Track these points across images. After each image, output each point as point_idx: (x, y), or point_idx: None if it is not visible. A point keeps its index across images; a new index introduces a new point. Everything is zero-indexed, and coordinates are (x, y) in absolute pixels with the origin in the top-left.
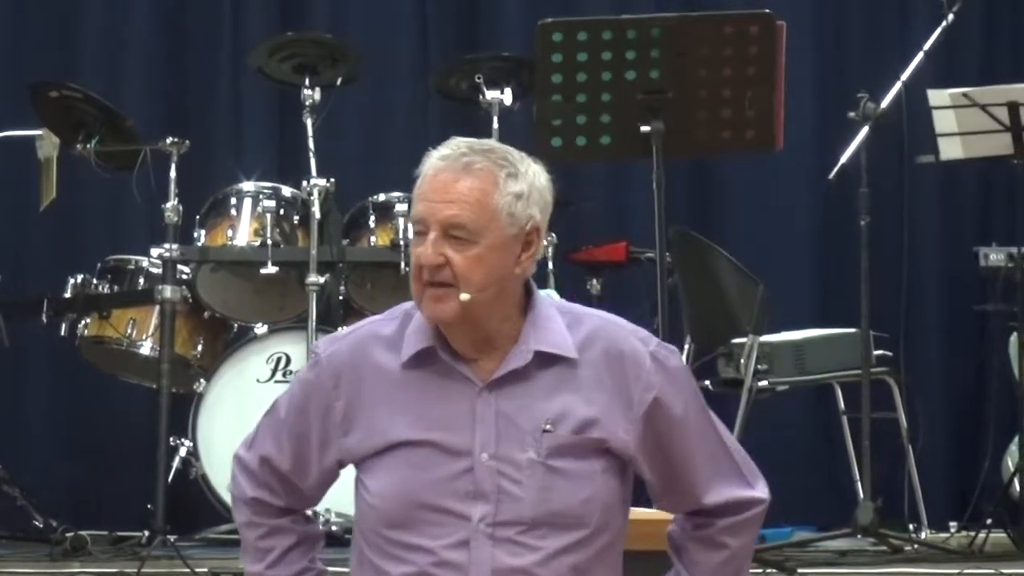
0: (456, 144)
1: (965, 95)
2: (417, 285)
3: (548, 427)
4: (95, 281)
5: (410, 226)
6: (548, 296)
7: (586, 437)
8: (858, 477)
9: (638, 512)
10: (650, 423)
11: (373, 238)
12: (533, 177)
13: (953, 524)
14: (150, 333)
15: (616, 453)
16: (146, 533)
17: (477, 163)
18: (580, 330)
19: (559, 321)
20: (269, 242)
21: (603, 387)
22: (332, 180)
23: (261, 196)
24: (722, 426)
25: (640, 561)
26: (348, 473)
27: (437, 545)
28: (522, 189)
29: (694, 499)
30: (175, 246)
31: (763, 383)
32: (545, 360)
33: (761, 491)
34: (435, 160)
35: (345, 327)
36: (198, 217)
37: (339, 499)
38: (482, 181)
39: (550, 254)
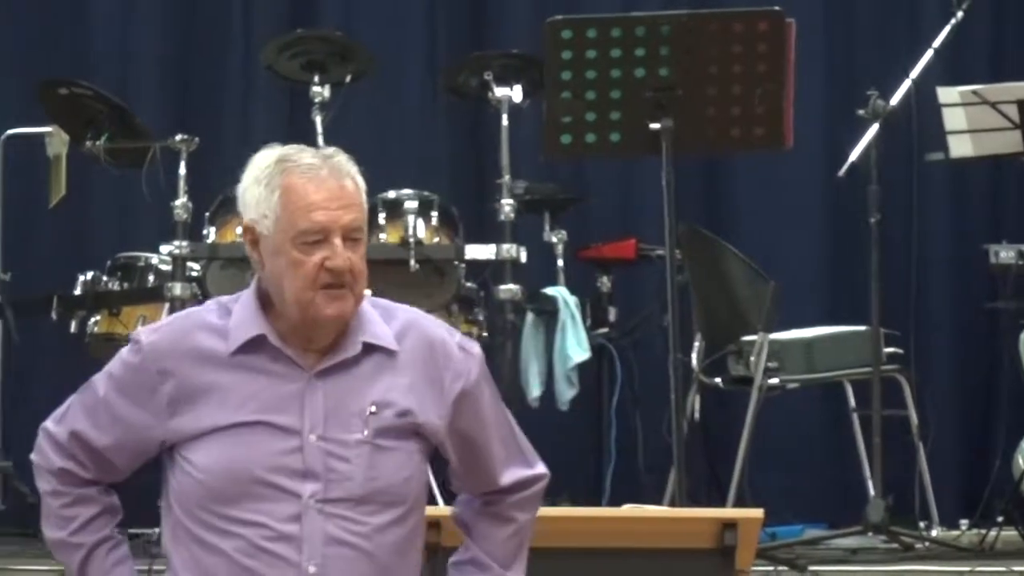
0: (308, 151)
1: (975, 92)
2: (310, 290)
3: (373, 409)
4: (105, 278)
5: (412, 224)
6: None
7: (406, 420)
8: (869, 475)
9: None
10: (458, 409)
11: (383, 235)
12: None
13: (964, 522)
14: None
15: (427, 436)
16: (157, 530)
17: (343, 165)
18: (394, 323)
19: (377, 316)
20: None
21: (418, 374)
22: None
23: None
24: (507, 410)
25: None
26: None
27: (269, 519)
28: (363, 184)
29: (491, 480)
30: (185, 243)
31: (773, 381)
32: (368, 349)
33: (542, 468)
34: (306, 171)
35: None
36: (208, 214)
37: None
38: (354, 182)
39: (560, 251)
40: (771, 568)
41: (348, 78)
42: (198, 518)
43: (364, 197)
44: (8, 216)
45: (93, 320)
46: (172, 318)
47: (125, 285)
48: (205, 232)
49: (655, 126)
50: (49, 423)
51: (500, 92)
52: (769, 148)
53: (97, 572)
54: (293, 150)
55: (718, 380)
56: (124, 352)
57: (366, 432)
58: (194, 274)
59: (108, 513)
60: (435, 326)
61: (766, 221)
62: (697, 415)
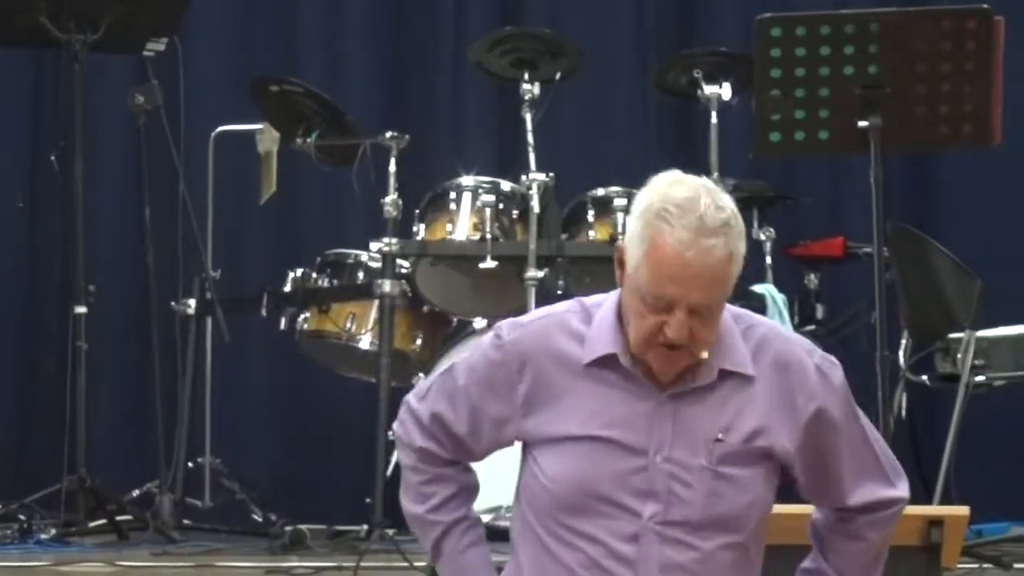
0: (691, 214)
1: None
2: (644, 344)
3: (720, 436)
4: (314, 275)
5: (622, 221)
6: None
7: (753, 446)
8: None
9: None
10: (809, 431)
11: (592, 232)
12: (740, 220)
13: None
14: (369, 327)
15: (777, 458)
16: (365, 527)
17: (715, 246)
18: (752, 339)
19: (738, 335)
20: (488, 236)
21: (771, 396)
22: (551, 175)
23: (480, 190)
24: (870, 428)
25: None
26: None
27: (608, 537)
28: (743, 245)
29: (839, 499)
30: (394, 240)
31: (980, 378)
32: (724, 374)
33: (902, 490)
34: (674, 243)
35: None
36: (417, 211)
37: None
38: (726, 258)
39: (768, 248)
40: (976, 565)
41: (558, 75)
42: (545, 524)
43: (735, 269)
44: (219, 213)
45: (303, 317)
46: (535, 315)
47: (335, 282)
48: (415, 229)
49: (864, 124)
50: (412, 399)
51: (709, 90)
52: (977, 146)
53: (451, 552)
54: (678, 206)
55: (925, 377)
56: (487, 344)
57: (710, 459)
58: (404, 271)
59: (464, 493)
60: (793, 345)
61: (973, 218)
62: (904, 412)
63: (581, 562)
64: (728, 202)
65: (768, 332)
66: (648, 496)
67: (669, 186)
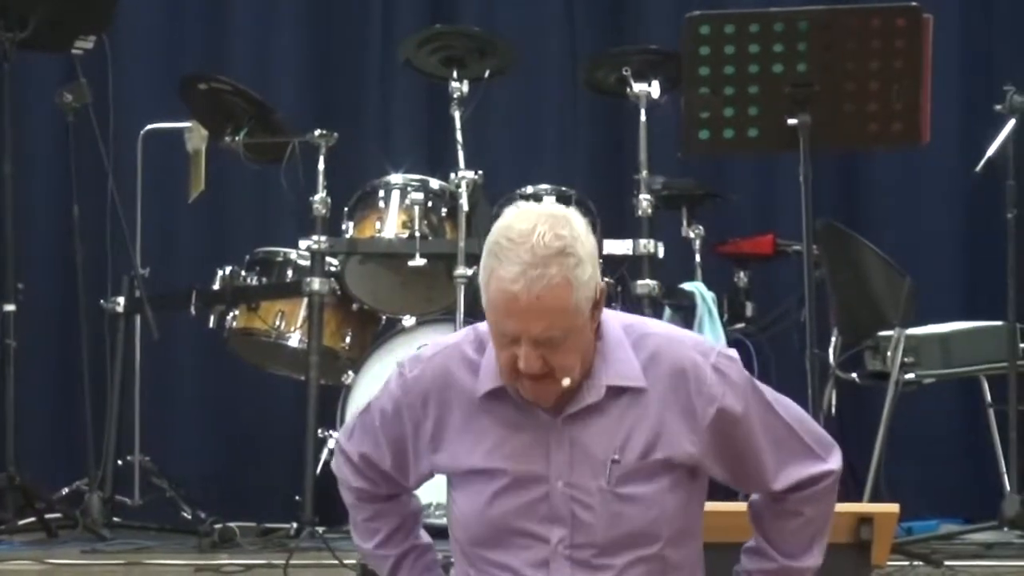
0: (521, 247)
1: None
2: (509, 378)
3: (616, 457)
4: (243, 273)
5: None
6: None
7: (651, 459)
8: (1004, 470)
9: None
10: (714, 432)
11: None
12: (586, 245)
13: None
14: (298, 325)
15: (682, 465)
16: (294, 525)
17: (542, 276)
18: (645, 349)
19: (627, 347)
20: (417, 234)
21: (667, 406)
22: (480, 172)
23: (409, 188)
24: (788, 409)
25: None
26: None
27: (520, 564)
28: (586, 270)
29: (763, 486)
30: (323, 238)
31: (909, 376)
32: (615, 390)
33: (833, 463)
34: (503, 279)
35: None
36: (346, 209)
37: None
38: (559, 287)
39: (697, 247)
40: (906, 563)
41: (487, 73)
42: (466, 554)
43: (576, 295)
44: (148, 211)
45: (231, 315)
46: (434, 349)
47: (263, 280)
48: (344, 227)
49: (793, 121)
50: (343, 439)
51: (638, 88)
52: (906, 144)
53: None
54: (510, 239)
55: (854, 375)
56: (393, 381)
57: (609, 481)
58: (333, 269)
59: (409, 522)
60: (687, 349)
61: (903, 217)
62: (833, 410)
63: None
64: (574, 229)
65: (662, 341)
66: (554, 521)
67: (513, 219)
